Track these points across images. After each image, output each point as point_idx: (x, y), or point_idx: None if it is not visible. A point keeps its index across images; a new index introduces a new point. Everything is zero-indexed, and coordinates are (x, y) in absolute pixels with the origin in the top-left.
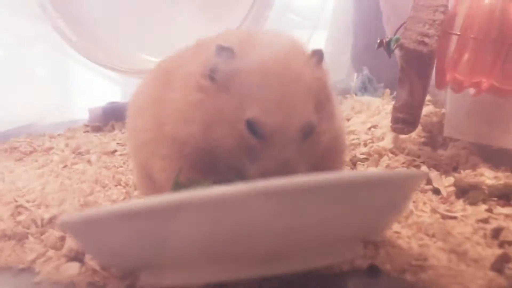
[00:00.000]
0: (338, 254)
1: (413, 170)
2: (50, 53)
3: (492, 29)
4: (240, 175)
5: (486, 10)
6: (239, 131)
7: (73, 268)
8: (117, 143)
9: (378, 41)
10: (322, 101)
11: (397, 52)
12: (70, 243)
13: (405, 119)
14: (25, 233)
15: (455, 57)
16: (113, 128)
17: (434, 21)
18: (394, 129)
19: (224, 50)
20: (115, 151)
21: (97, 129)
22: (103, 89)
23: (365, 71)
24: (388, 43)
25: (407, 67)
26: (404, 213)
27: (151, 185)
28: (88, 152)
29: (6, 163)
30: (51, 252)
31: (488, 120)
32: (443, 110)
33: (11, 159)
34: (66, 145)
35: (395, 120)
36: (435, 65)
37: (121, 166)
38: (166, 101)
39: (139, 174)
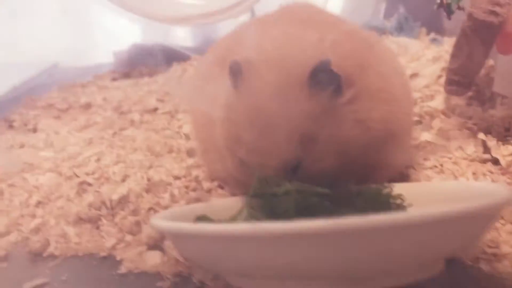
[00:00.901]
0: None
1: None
2: None
3: None
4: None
5: None
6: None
7: (156, 257)
8: (156, 100)
9: (438, 1)
10: (316, 126)
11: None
12: (148, 229)
13: (460, 81)
14: (97, 215)
15: None
16: (141, 74)
17: None
18: (448, 91)
19: (235, 65)
20: (156, 108)
21: (125, 75)
22: (124, 30)
23: (401, 10)
24: (449, 4)
25: (472, 35)
26: None
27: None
28: (129, 110)
29: (45, 121)
30: (128, 238)
31: None
32: (491, 62)
33: (50, 117)
34: (104, 100)
35: (449, 82)
36: None
37: (167, 128)
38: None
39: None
